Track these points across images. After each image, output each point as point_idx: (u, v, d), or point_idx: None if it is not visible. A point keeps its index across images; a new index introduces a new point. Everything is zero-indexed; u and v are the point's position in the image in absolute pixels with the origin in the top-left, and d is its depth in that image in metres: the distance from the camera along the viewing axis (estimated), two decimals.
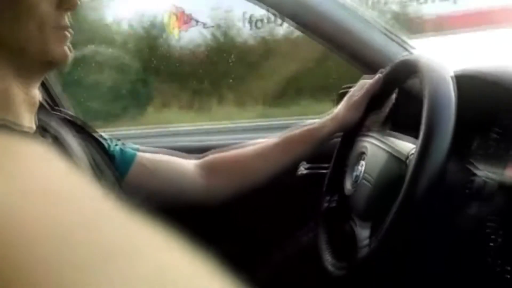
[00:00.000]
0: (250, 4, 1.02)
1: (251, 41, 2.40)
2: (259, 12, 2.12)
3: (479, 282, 0.63)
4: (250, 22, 2.26)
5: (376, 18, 1.01)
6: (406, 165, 0.65)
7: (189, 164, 0.87)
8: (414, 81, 0.75)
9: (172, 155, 0.86)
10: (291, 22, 1.02)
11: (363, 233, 0.71)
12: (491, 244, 0.58)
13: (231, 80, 2.18)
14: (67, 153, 0.63)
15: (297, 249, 1.02)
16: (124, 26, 2.37)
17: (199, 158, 0.88)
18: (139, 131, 1.68)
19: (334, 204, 0.85)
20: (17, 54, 0.57)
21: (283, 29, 2.13)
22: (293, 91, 2.26)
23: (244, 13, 2.28)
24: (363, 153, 0.79)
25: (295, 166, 1.04)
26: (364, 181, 0.74)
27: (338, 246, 0.78)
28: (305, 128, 0.88)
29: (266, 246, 1.08)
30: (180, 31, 2.23)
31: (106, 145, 0.78)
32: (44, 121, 0.65)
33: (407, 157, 0.66)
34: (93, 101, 1.98)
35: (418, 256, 0.69)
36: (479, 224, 0.60)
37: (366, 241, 0.69)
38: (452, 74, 0.67)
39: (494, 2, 2.04)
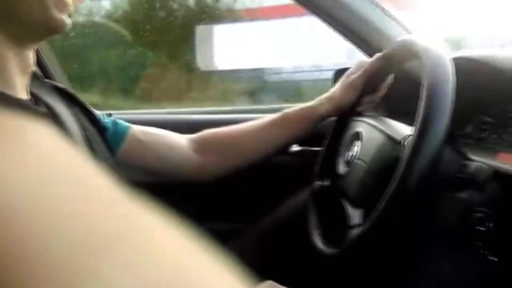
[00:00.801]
0: None
1: None
2: None
3: (469, 266, 0.64)
4: None
5: None
6: (402, 147, 0.65)
7: (183, 139, 0.86)
8: (413, 63, 0.75)
9: None
10: None
11: (355, 213, 0.71)
12: (482, 229, 0.59)
13: None
14: (60, 124, 0.62)
15: (288, 227, 1.03)
16: None
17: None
18: None
19: (327, 183, 0.86)
20: (14, 18, 0.56)
21: None
22: None
23: None
24: (358, 133, 0.79)
25: (289, 145, 1.04)
26: (358, 161, 0.74)
27: (329, 226, 0.79)
28: (302, 107, 0.88)
29: (257, 223, 1.09)
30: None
31: (97, 117, 0.77)
32: (37, 90, 0.64)
33: (404, 139, 0.66)
34: None
35: (408, 238, 0.70)
36: (471, 209, 0.60)
37: (359, 221, 0.69)
38: (451, 57, 0.66)
39: None
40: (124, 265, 0.12)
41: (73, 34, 1.86)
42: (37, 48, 0.63)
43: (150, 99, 2.38)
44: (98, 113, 0.78)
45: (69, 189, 0.14)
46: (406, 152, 0.60)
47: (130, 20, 2.45)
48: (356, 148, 0.77)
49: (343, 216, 0.73)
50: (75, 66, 2.03)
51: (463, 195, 0.62)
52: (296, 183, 1.01)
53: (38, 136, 0.15)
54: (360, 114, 0.86)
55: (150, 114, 1.37)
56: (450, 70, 0.62)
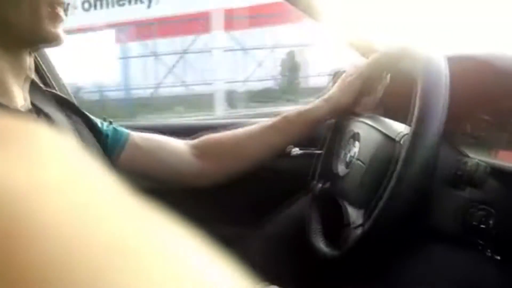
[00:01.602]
0: None
1: None
2: None
3: (470, 263, 0.64)
4: None
5: None
6: (400, 145, 0.66)
7: (182, 144, 0.87)
8: (408, 64, 0.75)
9: None
10: None
11: (356, 214, 0.71)
12: (483, 226, 0.59)
13: None
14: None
15: (289, 231, 1.03)
16: None
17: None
18: None
19: (327, 185, 0.86)
20: (4, 26, 0.56)
21: None
22: None
23: None
24: (357, 134, 0.79)
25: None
26: (358, 161, 0.75)
27: (331, 227, 0.79)
28: (300, 109, 0.88)
29: (259, 226, 1.09)
30: None
31: (99, 125, 0.77)
32: (37, 101, 0.64)
33: (401, 138, 0.67)
34: None
35: (408, 238, 0.70)
36: (470, 206, 0.61)
37: (360, 222, 0.69)
38: (445, 57, 0.67)
39: None
40: (142, 277, 0.12)
41: None
42: (35, 56, 0.63)
43: None
44: (98, 121, 0.78)
45: (76, 195, 0.13)
46: (402, 151, 0.61)
47: None
48: (355, 149, 0.78)
49: (345, 217, 0.73)
50: None
51: (462, 193, 0.63)
52: (297, 186, 1.01)
53: (46, 140, 0.15)
54: (358, 115, 0.86)
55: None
56: (443, 69, 0.63)
